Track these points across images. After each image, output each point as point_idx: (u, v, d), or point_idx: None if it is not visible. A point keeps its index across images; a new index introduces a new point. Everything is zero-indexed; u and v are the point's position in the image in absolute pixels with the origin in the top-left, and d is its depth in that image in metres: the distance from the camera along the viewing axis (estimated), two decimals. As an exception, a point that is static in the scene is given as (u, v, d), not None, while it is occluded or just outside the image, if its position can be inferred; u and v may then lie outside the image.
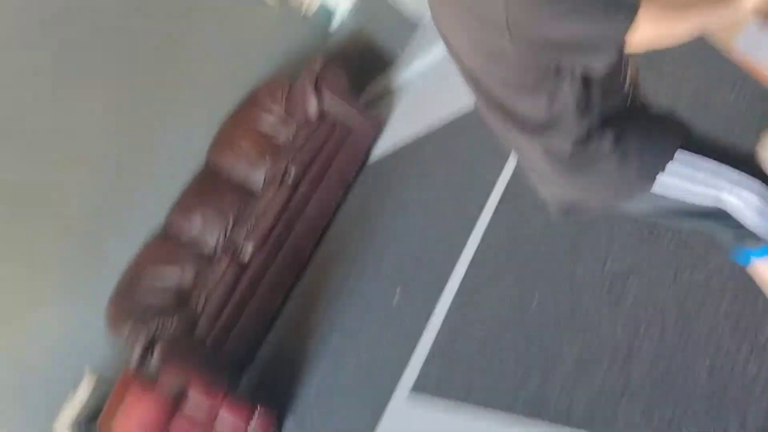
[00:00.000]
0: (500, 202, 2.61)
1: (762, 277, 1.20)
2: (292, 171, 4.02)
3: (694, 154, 1.08)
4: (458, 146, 3.39)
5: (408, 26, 4.92)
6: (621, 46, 0.96)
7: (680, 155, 1.08)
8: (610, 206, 1.18)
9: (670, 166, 1.07)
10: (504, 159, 2.74)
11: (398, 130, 4.31)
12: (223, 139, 4.37)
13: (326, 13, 4.88)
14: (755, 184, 1.09)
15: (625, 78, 1.12)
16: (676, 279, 1.68)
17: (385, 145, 4.33)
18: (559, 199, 1.22)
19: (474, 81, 1.17)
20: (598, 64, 1.01)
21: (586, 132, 1.09)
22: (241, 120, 4.38)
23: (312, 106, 4.17)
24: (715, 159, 1.09)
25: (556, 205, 1.24)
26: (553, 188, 1.22)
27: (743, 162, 1.12)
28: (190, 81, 4.63)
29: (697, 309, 1.58)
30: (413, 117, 4.25)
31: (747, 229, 1.11)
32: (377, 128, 4.42)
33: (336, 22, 4.89)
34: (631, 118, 1.12)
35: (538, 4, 0.96)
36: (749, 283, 1.33)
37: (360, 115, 4.32)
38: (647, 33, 0.95)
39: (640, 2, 0.94)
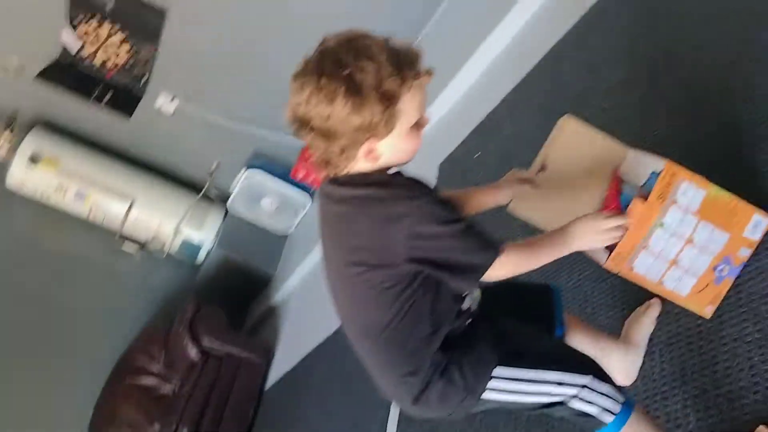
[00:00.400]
0: (398, 424, 2.46)
1: None
2: (184, 427, 3.70)
3: (512, 368, 1.17)
4: (349, 357, 3.27)
5: (277, 241, 4.97)
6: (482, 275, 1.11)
7: (499, 371, 1.17)
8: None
9: (491, 383, 1.17)
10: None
11: (289, 349, 4.15)
12: (103, 411, 3.98)
13: (190, 248, 4.83)
14: (576, 377, 1.16)
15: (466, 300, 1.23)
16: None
17: (279, 368, 4.13)
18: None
19: (336, 287, 1.25)
20: (462, 286, 1.17)
21: (420, 359, 1.17)
22: (118, 385, 4.04)
23: (192, 352, 3.96)
24: (533, 367, 1.17)
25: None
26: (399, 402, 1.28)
27: (564, 359, 1.21)
28: (54, 353, 4.33)
29: None
30: (300, 331, 4.13)
31: (587, 414, 1.17)
32: (266, 353, 4.24)
33: (202, 253, 4.84)
34: (456, 344, 1.19)
35: (438, 230, 1.09)
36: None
37: (245, 346, 4.15)
38: (507, 270, 1.12)
39: (506, 244, 1.12)
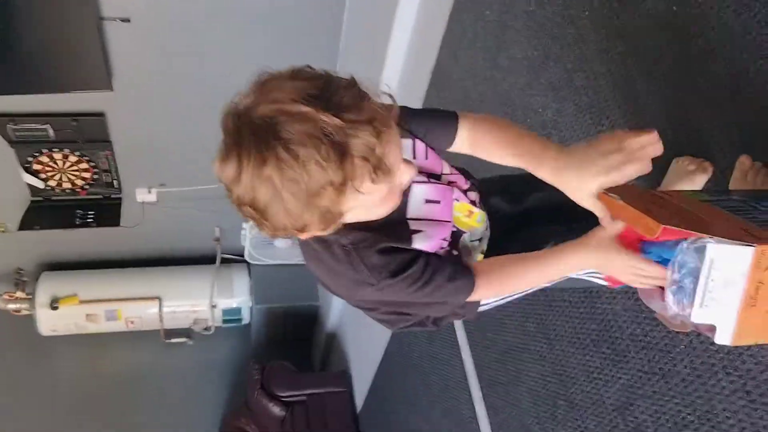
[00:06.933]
0: (484, 399, 2.44)
1: None
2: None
3: None
4: (416, 349, 3.26)
5: (306, 271, 4.90)
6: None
7: None
8: None
9: None
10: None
11: (362, 364, 4.16)
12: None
13: (232, 314, 4.85)
14: None
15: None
16: None
17: (361, 386, 4.14)
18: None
19: None
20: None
21: None
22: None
23: (276, 410, 3.99)
24: None
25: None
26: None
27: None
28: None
29: None
30: (364, 344, 4.13)
31: None
32: (344, 378, 4.26)
33: (245, 314, 4.86)
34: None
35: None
36: None
37: (321, 382, 4.18)
38: (490, 293, 1.04)
39: (474, 271, 1.00)
